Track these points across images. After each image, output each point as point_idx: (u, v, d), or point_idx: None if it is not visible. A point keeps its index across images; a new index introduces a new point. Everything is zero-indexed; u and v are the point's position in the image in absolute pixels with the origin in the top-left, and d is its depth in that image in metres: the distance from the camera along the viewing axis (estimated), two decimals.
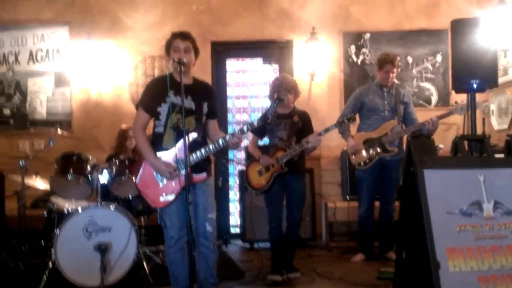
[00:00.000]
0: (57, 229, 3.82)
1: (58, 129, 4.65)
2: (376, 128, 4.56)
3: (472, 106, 3.81)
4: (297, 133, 4.12)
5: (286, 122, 4.15)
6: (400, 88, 4.78)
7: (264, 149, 4.27)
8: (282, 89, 4.14)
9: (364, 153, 4.55)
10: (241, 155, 5.93)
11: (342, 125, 4.05)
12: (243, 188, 5.47)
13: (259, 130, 4.06)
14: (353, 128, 4.78)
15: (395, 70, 4.61)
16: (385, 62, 4.59)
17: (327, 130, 3.99)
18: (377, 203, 4.73)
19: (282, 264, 4.16)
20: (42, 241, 4.20)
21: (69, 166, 4.10)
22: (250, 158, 4.43)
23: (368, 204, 4.64)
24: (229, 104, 6.18)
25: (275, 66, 6.11)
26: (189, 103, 3.14)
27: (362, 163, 4.56)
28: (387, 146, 4.47)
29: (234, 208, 6.06)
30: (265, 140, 4.40)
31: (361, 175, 4.67)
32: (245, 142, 4.96)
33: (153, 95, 3.20)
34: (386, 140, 4.47)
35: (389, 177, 4.60)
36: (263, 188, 4.12)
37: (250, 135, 4.28)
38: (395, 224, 4.34)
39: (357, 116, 4.76)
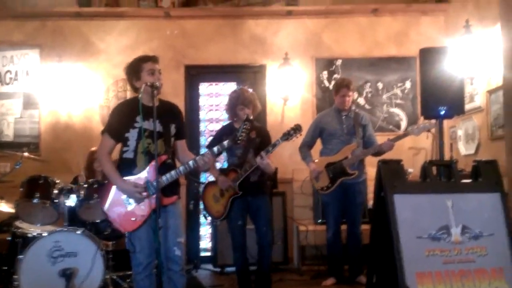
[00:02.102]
0: (21, 254, 3.71)
1: (25, 152, 4.53)
2: (337, 152, 4.58)
3: (440, 133, 3.91)
4: (255, 149, 3.93)
5: None
6: (358, 111, 4.84)
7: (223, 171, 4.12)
8: (239, 103, 4.00)
9: (326, 177, 4.57)
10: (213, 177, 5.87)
11: (288, 138, 3.74)
12: None
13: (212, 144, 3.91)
14: (316, 154, 4.81)
15: (351, 93, 4.68)
16: (341, 86, 4.67)
17: (274, 145, 3.78)
18: (344, 226, 4.73)
19: None
20: (5, 266, 4.05)
21: (35, 190, 4.01)
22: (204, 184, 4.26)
23: (335, 228, 4.65)
24: (202, 127, 6.17)
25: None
26: (157, 126, 3.08)
27: (324, 188, 4.58)
28: (348, 169, 4.49)
29: (205, 231, 5.99)
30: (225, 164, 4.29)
31: (326, 200, 4.70)
32: (218, 165, 4.91)
33: (121, 121, 3.17)
34: (347, 164, 4.50)
35: (354, 200, 4.61)
36: (222, 215, 3.96)
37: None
38: (365, 247, 4.35)
39: (319, 141, 4.82)
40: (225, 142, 3.18)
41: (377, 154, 4.51)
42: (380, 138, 4.77)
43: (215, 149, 3.18)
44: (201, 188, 5.68)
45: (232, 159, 4.07)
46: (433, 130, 4.50)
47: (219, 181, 3.99)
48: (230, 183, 3.91)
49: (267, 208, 4.11)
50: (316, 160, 4.72)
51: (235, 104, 4.04)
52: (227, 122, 4.40)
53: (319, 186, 4.64)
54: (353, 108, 4.77)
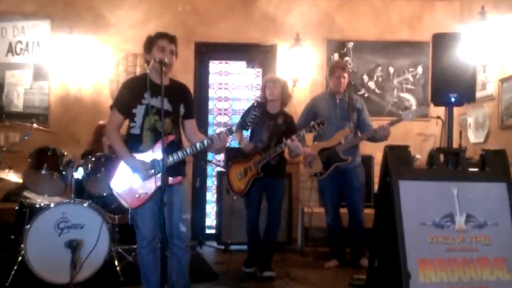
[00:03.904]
0: (28, 224, 3.76)
1: (34, 124, 4.55)
2: (331, 137, 4.55)
3: (450, 120, 3.88)
4: (278, 135, 4.19)
5: (270, 123, 4.24)
6: (352, 95, 4.78)
7: (242, 152, 4.35)
8: (270, 81, 4.31)
9: (319, 163, 4.55)
10: (220, 156, 5.91)
11: (312, 130, 4.09)
12: (220, 190, 5.47)
13: (243, 126, 4.25)
14: (309, 138, 4.78)
15: (345, 75, 4.64)
16: (336, 67, 4.67)
17: (298, 135, 4.05)
18: (345, 210, 4.74)
19: (257, 260, 4.30)
20: (12, 235, 4.12)
21: (44, 161, 4.03)
22: (230, 160, 4.53)
23: (334, 212, 4.66)
24: (211, 105, 6.16)
25: (259, 70, 6.12)
26: (166, 105, 3.07)
27: (318, 174, 4.58)
28: (341, 155, 4.48)
29: (211, 209, 6.04)
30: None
31: (322, 185, 4.70)
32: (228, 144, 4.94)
33: (129, 96, 3.16)
34: (340, 149, 4.48)
35: (351, 185, 4.60)
36: (242, 192, 4.23)
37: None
38: (369, 231, 4.35)
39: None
40: (234, 127, 3.24)
41: (372, 139, 4.48)
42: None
43: (224, 130, 3.15)
44: (208, 166, 5.83)
45: (256, 140, 4.29)
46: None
47: (242, 144, 4.29)
48: (251, 146, 4.22)
49: (282, 192, 4.39)
50: (310, 145, 4.69)
51: (266, 81, 4.35)
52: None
53: (312, 172, 4.64)
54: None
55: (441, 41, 3.73)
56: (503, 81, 4.86)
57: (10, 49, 5.89)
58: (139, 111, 3.12)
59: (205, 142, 3.10)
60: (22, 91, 5.87)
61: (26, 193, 4.29)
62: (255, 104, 3.69)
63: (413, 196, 2.86)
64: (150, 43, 3.19)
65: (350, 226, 4.69)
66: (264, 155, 4.12)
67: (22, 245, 3.73)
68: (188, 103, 3.29)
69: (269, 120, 4.23)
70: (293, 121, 4.38)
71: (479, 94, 4.79)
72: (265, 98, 4.31)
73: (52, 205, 3.85)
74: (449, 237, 2.81)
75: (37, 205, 3.99)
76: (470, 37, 3.99)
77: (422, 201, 2.86)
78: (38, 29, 5.90)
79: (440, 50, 3.72)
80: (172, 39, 3.19)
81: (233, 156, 4.57)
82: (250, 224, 4.31)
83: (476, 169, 3.10)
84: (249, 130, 4.34)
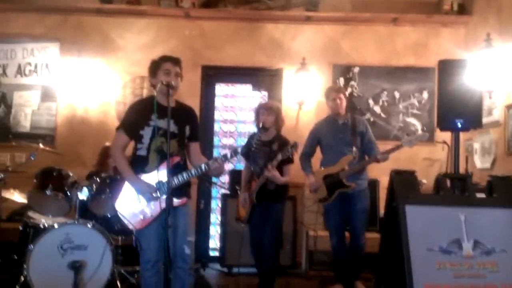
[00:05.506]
0: (31, 244, 3.74)
1: (41, 144, 4.58)
2: (335, 164, 4.51)
3: (456, 145, 3.86)
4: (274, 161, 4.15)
5: (265, 150, 4.22)
6: (355, 116, 4.74)
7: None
8: (262, 107, 4.34)
9: (324, 189, 4.52)
10: (225, 178, 5.90)
11: (286, 153, 4.00)
12: (225, 212, 5.45)
13: (247, 155, 4.29)
14: (315, 165, 4.75)
15: (341, 95, 4.62)
16: (330, 91, 4.70)
17: (277, 159, 4.03)
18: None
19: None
20: (16, 255, 4.09)
21: (49, 182, 4.06)
22: (237, 185, 4.74)
23: (338, 236, 4.59)
24: (216, 127, 6.19)
25: (264, 93, 6.15)
26: (172, 127, 3.10)
27: (322, 199, 4.55)
28: (345, 181, 4.42)
29: (215, 231, 6.00)
30: None
31: (327, 208, 4.66)
32: (229, 167, 4.97)
33: (136, 118, 3.18)
34: (344, 176, 4.42)
35: (354, 207, 4.50)
36: (245, 219, 4.37)
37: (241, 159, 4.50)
38: (374, 256, 4.28)
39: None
40: (239, 148, 3.22)
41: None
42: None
43: (228, 154, 3.16)
44: (212, 188, 5.87)
45: (255, 168, 4.30)
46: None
47: (240, 194, 4.46)
48: (246, 198, 4.33)
49: (277, 213, 4.31)
50: (315, 171, 4.67)
51: (259, 108, 4.38)
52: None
53: (317, 198, 4.62)
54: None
55: (447, 67, 3.75)
56: (509, 107, 4.86)
57: (19, 71, 5.97)
58: (146, 132, 3.14)
59: (203, 167, 3.12)
60: (29, 112, 5.93)
61: (30, 213, 4.29)
62: (257, 131, 3.74)
63: (420, 221, 2.84)
64: (155, 67, 3.22)
65: (349, 248, 4.62)
66: (258, 182, 4.18)
67: (25, 266, 3.71)
68: (193, 125, 3.31)
69: (264, 147, 4.21)
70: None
71: (485, 120, 4.76)
72: (258, 122, 4.31)
73: (56, 225, 3.84)
74: (456, 263, 2.78)
75: (41, 226, 3.99)
76: (475, 64, 4.00)
77: (429, 226, 2.85)
78: (48, 51, 5.98)
79: (446, 76, 3.73)
80: (176, 61, 3.23)
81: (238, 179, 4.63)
82: (252, 248, 4.39)
83: (483, 195, 3.08)
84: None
